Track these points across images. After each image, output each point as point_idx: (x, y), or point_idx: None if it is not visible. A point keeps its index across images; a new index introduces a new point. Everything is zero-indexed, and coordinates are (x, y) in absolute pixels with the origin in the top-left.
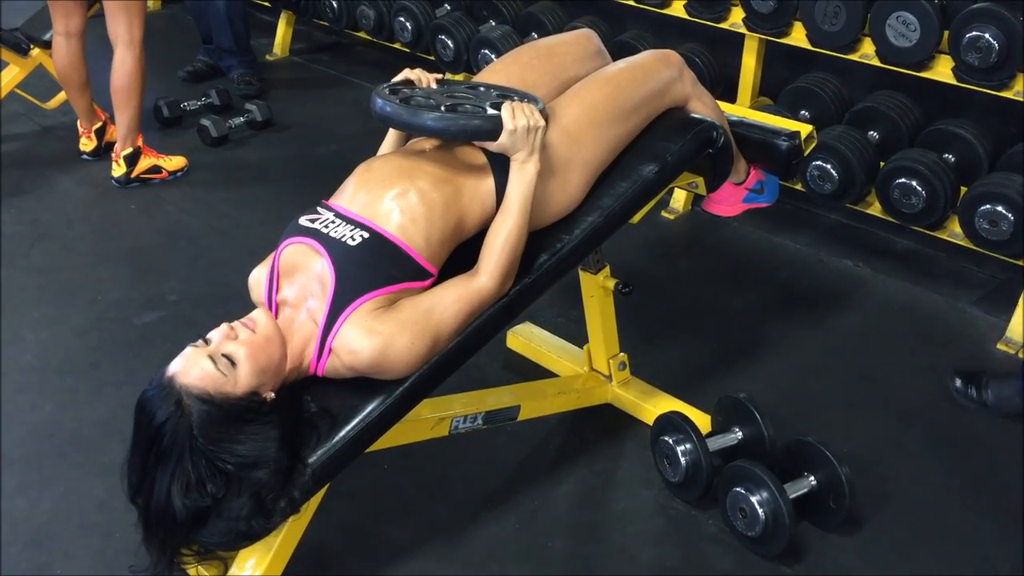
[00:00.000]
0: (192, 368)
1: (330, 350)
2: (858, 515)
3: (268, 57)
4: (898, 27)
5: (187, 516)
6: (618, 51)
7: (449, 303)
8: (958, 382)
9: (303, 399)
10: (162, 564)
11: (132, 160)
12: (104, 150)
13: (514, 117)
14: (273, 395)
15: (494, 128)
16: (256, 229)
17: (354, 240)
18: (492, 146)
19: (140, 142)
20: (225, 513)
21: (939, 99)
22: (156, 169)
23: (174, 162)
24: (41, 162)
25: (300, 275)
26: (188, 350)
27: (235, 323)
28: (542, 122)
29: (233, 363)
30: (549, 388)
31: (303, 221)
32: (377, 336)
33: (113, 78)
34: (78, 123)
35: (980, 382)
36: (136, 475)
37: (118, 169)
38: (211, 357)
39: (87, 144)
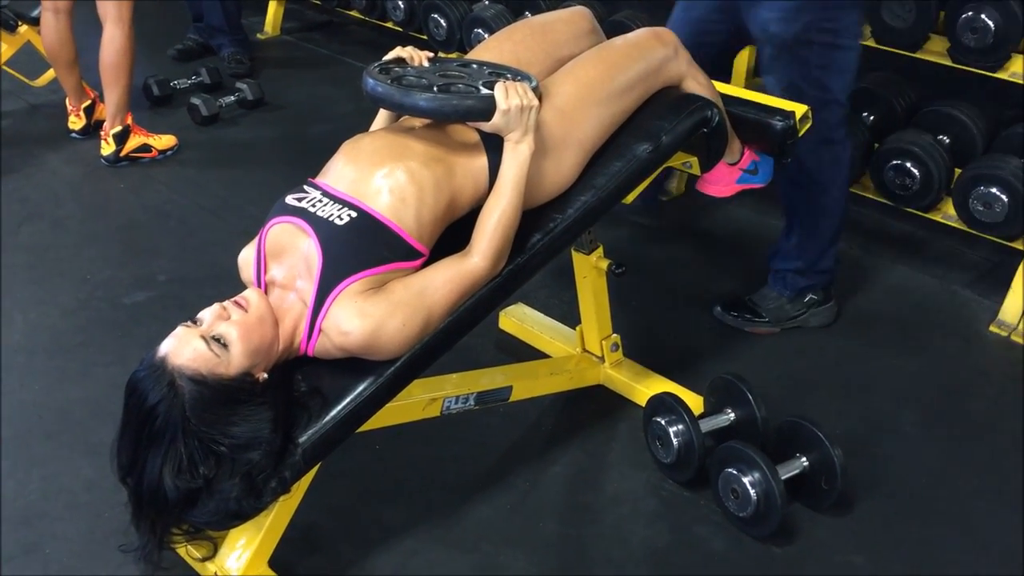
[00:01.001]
0: (184, 349)
1: (320, 330)
2: (850, 496)
3: (259, 36)
4: (893, 7)
5: (178, 497)
6: (612, 30)
7: (441, 284)
8: (718, 308)
9: (294, 379)
10: (152, 544)
11: (121, 138)
12: (93, 128)
13: (507, 97)
14: (266, 375)
15: (487, 108)
16: (246, 209)
17: (341, 220)
18: (486, 126)
19: (130, 120)
20: (216, 493)
21: (934, 80)
22: (146, 148)
23: (164, 141)
24: (30, 140)
25: (288, 255)
26: (179, 330)
27: (227, 303)
28: (536, 101)
29: (226, 344)
30: (541, 369)
31: (290, 200)
32: (368, 317)
33: (102, 55)
34: (67, 101)
35: (742, 302)
36: (127, 455)
37: (107, 148)
38: (203, 338)
39: (76, 122)
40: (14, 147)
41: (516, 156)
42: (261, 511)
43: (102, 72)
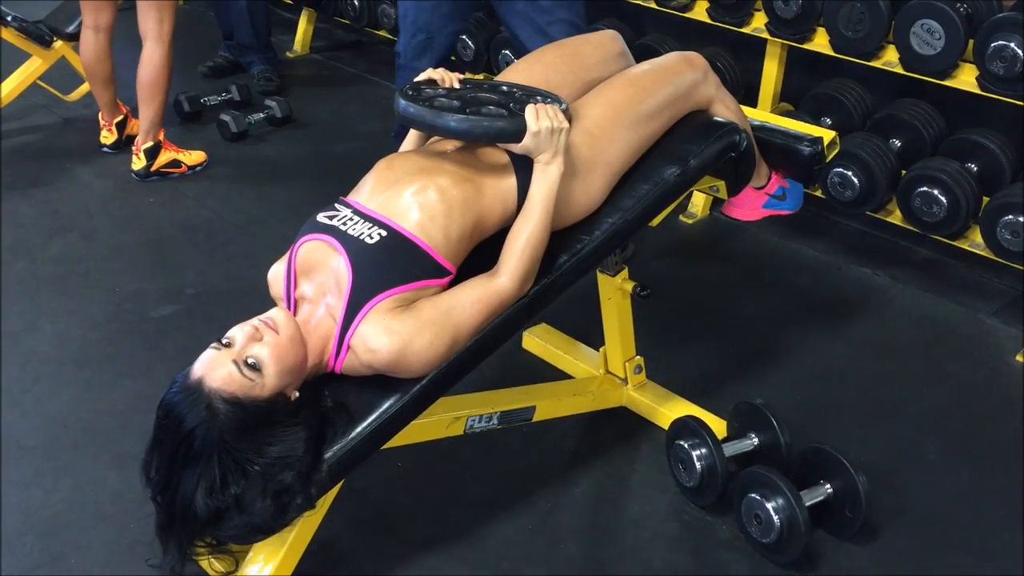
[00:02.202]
0: (219, 372)
1: (348, 347)
2: (874, 524)
3: (288, 54)
4: (923, 35)
5: (209, 515)
6: (640, 54)
7: (469, 303)
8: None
9: (322, 396)
10: (178, 559)
11: (152, 154)
12: (124, 143)
13: (538, 119)
14: (298, 394)
15: (518, 130)
16: (274, 225)
17: (372, 238)
18: (516, 148)
19: (161, 136)
20: (245, 511)
21: (962, 108)
22: (176, 163)
23: (194, 157)
24: (62, 154)
25: (318, 272)
26: (211, 352)
27: (256, 322)
28: (566, 124)
29: (259, 367)
30: (564, 390)
31: (321, 218)
32: (396, 335)
33: (140, 72)
34: (100, 115)
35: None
36: (161, 475)
37: (138, 162)
38: (235, 362)
39: (108, 137)
40: (46, 160)
41: (546, 178)
42: (286, 526)
43: (139, 88)
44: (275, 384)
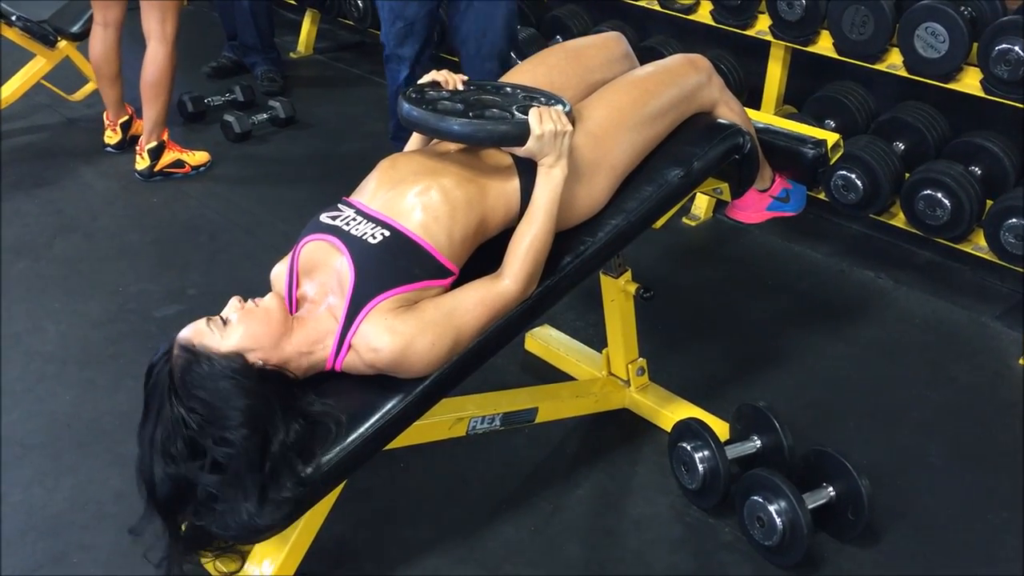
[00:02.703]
0: (190, 327)
1: (349, 346)
2: (877, 527)
3: (292, 55)
4: (927, 38)
5: (168, 475)
6: (643, 56)
7: (472, 305)
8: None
9: (306, 392)
10: (173, 549)
11: (156, 154)
12: (129, 143)
13: (541, 122)
14: (260, 363)
15: (521, 134)
16: (277, 225)
17: (375, 238)
18: (519, 151)
19: (165, 136)
20: (197, 477)
21: (966, 111)
22: (179, 163)
23: (197, 157)
24: (66, 153)
25: (320, 272)
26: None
27: (247, 299)
28: (569, 127)
29: (225, 323)
30: (567, 391)
31: (324, 218)
32: (399, 335)
33: (144, 72)
34: (104, 115)
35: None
36: (139, 438)
37: (142, 162)
38: (208, 319)
39: (112, 137)
40: (50, 160)
41: (549, 180)
42: (278, 524)
43: (142, 89)
44: (234, 343)
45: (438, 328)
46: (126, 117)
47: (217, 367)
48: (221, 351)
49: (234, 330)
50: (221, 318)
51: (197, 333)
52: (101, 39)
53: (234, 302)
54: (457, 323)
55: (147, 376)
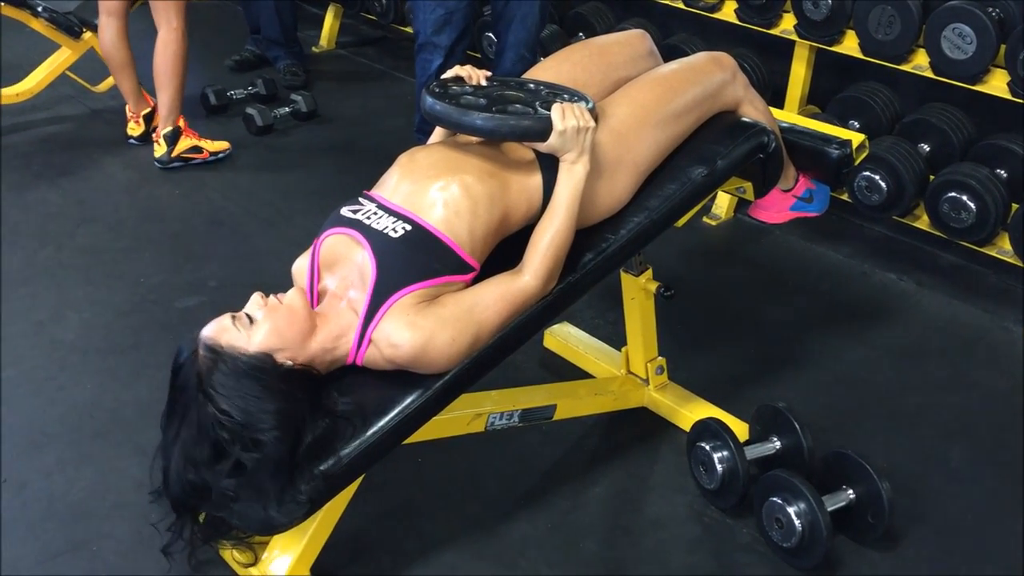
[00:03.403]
0: (215, 325)
1: (370, 341)
2: (896, 531)
3: (314, 49)
4: (954, 39)
5: (189, 469)
6: (667, 54)
7: (492, 301)
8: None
9: (329, 391)
10: (189, 538)
11: (172, 139)
12: (151, 135)
13: (564, 118)
14: (289, 363)
15: (544, 129)
16: (297, 219)
17: (396, 232)
18: (541, 147)
19: (181, 122)
20: (220, 472)
21: (992, 113)
22: (197, 149)
23: (216, 144)
24: (89, 144)
25: (341, 266)
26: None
27: (270, 295)
28: (592, 123)
29: (252, 321)
30: (585, 389)
31: (345, 212)
32: (419, 330)
33: (156, 59)
34: (127, 107)
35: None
36: (162, 430)
37: (159, 149)
38: (233, 316)
39: (135, 128)
40: (74, 151)
41: (571, 177)
42: (296, 519)
43: (155, 75)
44: (261, 342)
45: (458, 324)
46: (148, 109)
47: (246, 368)
48: (249, 352)
49: (260, 329)
50: (247, 315)
51: (223, 332)
52: (106, 28)
53: (256, 298)
54: (477, 319)
55: (173, 376)
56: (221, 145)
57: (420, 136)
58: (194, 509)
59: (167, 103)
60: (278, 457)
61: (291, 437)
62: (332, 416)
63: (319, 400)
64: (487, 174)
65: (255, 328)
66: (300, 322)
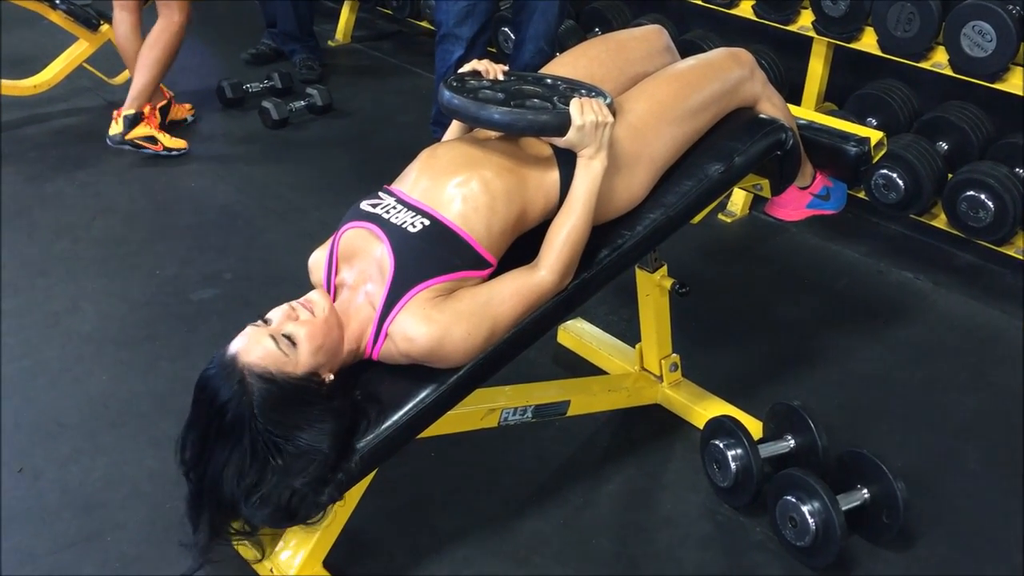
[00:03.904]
0: (254, 347)
1: (386, 335)
2: (911, 532)
3: (330, 43)
4: (974, 36)
5: (237, 494)
6: (683, 50)
7: (508, 296)
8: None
9: (352, 388)
10: (207, 537)
11: (131, 122)
12: (167, 128)
13: (583, 113)
14: (332, 377)
15: (562, 124)
16: (312, 212)
17: (415, 227)
18: (559, 142)
19: (147, 110)
20: (273, 497)
21: (1012, 112)
22: (152, 140)
23: (173, 140)
24: (106, 136)
25: (359, 259)
26: (249, 329)
27: (295, 303)
28: (610, 118)
29: (293, 343)
30: (599, 385)
31: (364, 206)
32: (435, 324)
33: (145, 43)
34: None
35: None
36: (194, 451)
37: (115, 127)
38: (272, 337)
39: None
40: (91, 142)
41: (589, 172)
42: (317, 515)
43: (139, 56)
44: (309, 362)
45: (474, 318)
46: (164, 101)
47: (299, 393)
48: (298, 374)
49: (304, 348)
50: (286, 336)
51: (267, 356)
52: (120, 22)
53: (288, 312)
54: (493, 313)
55: (212, 398)
56: (178, 143)
57: (436, 129)
58: (227, 514)
59: (139, 87)
60: (324, 473)
61: (343, 443)
62: (359, 410)
63: (355, 402)
64: (506, 170)
65: (299, 348)
66: (335, 333)
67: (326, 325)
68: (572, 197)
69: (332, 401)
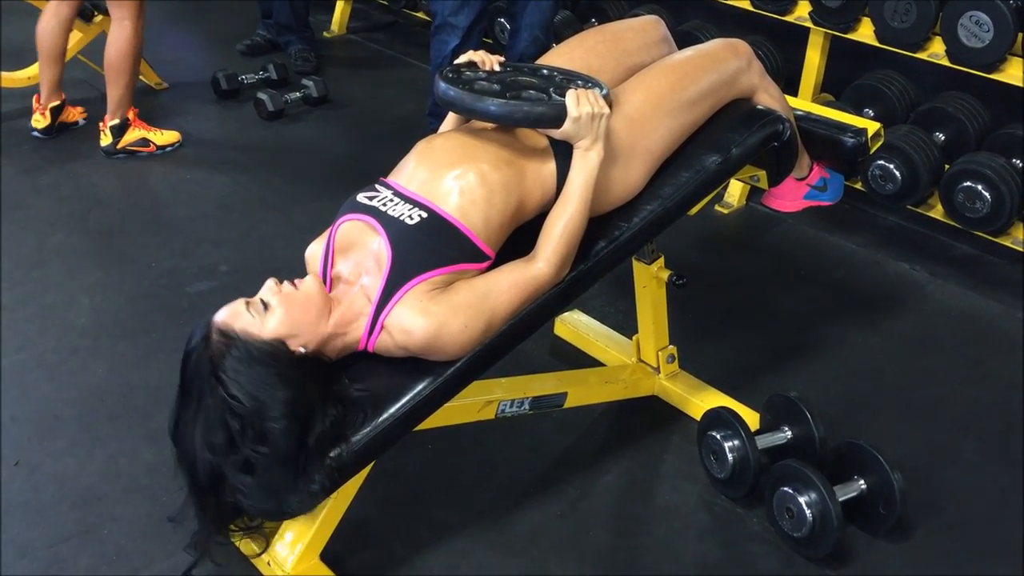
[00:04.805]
0: (228, 311)
1: (382, 327)
2: (908, 522)
3: (325, 34)
4: (971, 27)
5: (212, 460)
6: (680, 41)
7: (505, 288)
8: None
9: (340, 378)
10: (205, 530)
11: (119, 131)
12: (57, 131)
13: (579, 104)
14: (302, 350)
15: (558, 115)
16: (308, 204)
17: (412, 219)
18: (556, 133)
19: (131, 115)
20: (231, 472)
21: (1009, 102)
22: (144, 142)
23: (165, 136)
24: (99, 148)
25: (356, 252)
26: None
27: (284, 281)
28: (607, 109)
29: (266, 307)
30: (596, 377)
31: (361, 198)
32: (431, 317)
33: (107, 53)
34: (35, 98)
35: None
36: (173, 416)
37: (105, 139)
38: (247, 302)
39: (40, 121)
40: (86, 135)
41: (585, 163)
42: (310, 507)
43: (105, 69)
44: (275, 329)
45: (471, 311)
46: (57, 103)
47: (259, 355)
48: (263, 337)
49: (274, 315)
50: (261, 301)
51: (236, 317)
52: (53, 14)
53: (271, 284)
54: (490, 306)
55: (184, 361)
56: (171, 137)
57: (432, 120)
58: (211, 496)
59: (116, 98)
60: (286, 450)
61: (299, 427)
62: (343, 403)
63: (330, 387)
64: (503, 162)
65: (269, 314)
66: (315, 309)
67: (306, 300)
68: (568, 188)
69: (294, 370)
